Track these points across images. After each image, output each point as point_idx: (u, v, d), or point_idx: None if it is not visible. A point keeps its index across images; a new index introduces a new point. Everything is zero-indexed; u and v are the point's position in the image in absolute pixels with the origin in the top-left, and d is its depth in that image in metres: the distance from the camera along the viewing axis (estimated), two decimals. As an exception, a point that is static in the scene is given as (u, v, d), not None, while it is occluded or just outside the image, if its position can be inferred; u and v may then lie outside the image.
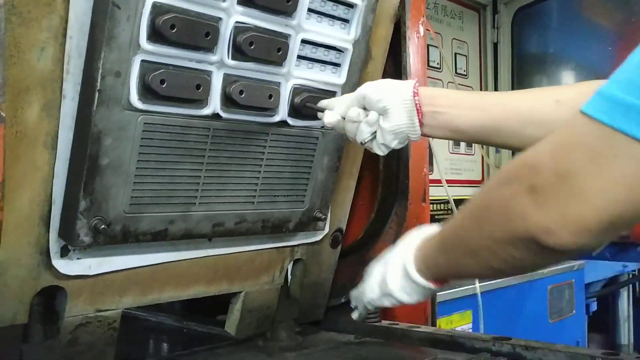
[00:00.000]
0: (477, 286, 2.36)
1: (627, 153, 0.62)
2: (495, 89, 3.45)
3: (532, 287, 2.74)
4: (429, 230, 1.03)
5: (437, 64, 3.13)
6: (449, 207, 2.74)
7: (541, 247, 0.70)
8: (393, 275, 1.02)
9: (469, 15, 3.38)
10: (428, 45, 3.08)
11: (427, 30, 2.22)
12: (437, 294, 2.24)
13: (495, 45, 3.47)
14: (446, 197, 2.79)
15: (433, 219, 2.91)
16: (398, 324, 1.58)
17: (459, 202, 3.09)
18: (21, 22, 0.98)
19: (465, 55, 3.35)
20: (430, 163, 2.83)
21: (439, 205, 2.92)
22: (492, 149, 3.48)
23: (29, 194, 1.07)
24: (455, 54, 3.29)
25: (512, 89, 3.47)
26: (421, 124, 1.13)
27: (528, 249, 0.72)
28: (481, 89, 3.43)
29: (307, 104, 1.32)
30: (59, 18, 1.02)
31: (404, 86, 1.15)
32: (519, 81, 3.46)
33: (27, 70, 1.01)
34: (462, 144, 3.27)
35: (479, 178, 3.40)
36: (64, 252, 1.14)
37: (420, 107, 1.12)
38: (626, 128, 0.62)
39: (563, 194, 0.66)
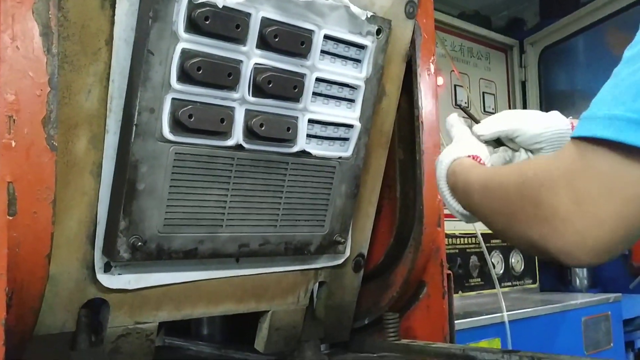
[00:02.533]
0: (505, 314, 2.42)
1: (634, 172, 0.69)
2: (525, 126, 3.54)
3: (565, 318, 2.76)
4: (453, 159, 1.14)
5: (465, 103, 3.25)
6: (477, 241, 2.82)
7: (556, 259, 0.79)
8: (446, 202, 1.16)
9: (495, 56, 3.51)
10: (455, 86, 3.23)
11: (438, 69, 2.36)
12: (464, 320, 2.32)
13: (524, 84, 3.58)
14: (474, 231, 2.88)
15: (464, 252, 3.01)
16: (416, 341, 1.67)
17: (490, 236, 3.17)
18: (72, 68, 1.17)
19: (493, 94, 3.46)
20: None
21: (468, 239, 2.99)
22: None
23: (78, 215, 1.24)
24: (483, 93, 3.41)
25: (542, 125, 3.55)
26: None
27: (548, 257, 0.81)
28: (510, 126, 3.52)
29: (463, 107, 1.54)
30: (104, 64, 1.21)
31: (558, 123, 1.16)
32: (548, 117, 3.54)
33: (77, 109, 1.19)
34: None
35: (512, 213, 3.46)
36: (107, 268, 1.29)
37: None
38: (607, 135, 0.69)
39: (581, 221, 0.73)
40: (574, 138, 0.76)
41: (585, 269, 3.53)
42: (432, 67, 1.77)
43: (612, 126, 0.70)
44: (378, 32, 1.52)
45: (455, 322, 1.83)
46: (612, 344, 3.01)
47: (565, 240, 0.75)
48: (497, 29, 3.63)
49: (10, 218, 0.99)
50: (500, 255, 3.24)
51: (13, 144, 1.01)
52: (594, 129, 0.72)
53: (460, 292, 2.94)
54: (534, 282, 3.42)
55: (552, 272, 3.64)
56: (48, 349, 1.25)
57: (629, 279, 3.40)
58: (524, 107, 3.58)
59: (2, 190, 0.98)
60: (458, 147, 1.18)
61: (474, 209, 1.02)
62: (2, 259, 0.97)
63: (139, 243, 1.26)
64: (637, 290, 3.37)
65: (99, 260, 1.28)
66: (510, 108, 3.57)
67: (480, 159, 1.15)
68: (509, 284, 3.27)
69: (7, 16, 1.01)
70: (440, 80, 3.02)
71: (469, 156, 1.14)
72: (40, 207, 1.04)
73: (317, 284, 1.70)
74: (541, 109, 3.59)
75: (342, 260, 1.71)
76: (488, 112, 3.42)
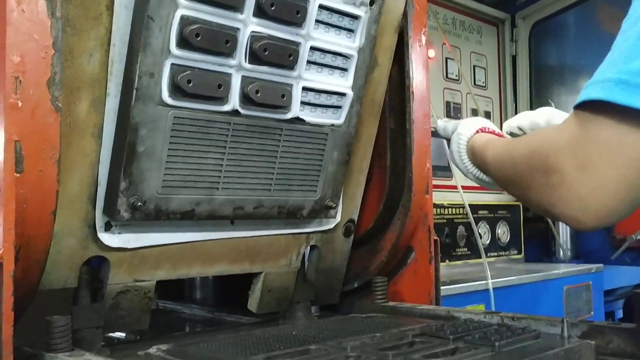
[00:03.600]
0: (490, 282, 2.50)
1: (632, 136, 0.72)
2: (515, 100, 3.61)
3: (547, 287, 2.85)
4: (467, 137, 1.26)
5: (456, 76, 3.29)
6: (465, 212, 2.89)
7: (569, 225, 0.86)
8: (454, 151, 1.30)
9: (487, 30, 3.54)
10: (447, 59, 3.26)
11: (430, 42, 2.38)
12: (451, 286, 2.40)
13: (514, 58, 3.62)
14: (462, 202, 2.95)
15: (452, 223, 3.08)
16: (403, 304, 1.74)
17: (477, 207, 3.24)
18: (74, 32, 1.20)
19: (484, 68, 3.50)
20: (449, 170, 2.99)
21: (456, 209, 3.06)
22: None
23: (79, 176, 1.28)
24: (474, 66, 3.45)
25: (531, 99, 3.62)
26: None
27: (560, 221, 0.88)
28: (500, 100, 3.57)
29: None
30: (105, 29, 1.24)
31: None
32: (537, 92, 3.61)
33: (79, 72, 1.23)
34: (482, 152, 3.40)
35: (499, 185, 3.53)
36: (108, 227, 1.34)
37: None
38: (608, 97, 0.72)
39: (584, 188, 0.77)
40: (574, 108, 0.79)
41: (569, 241, 3.62)
42: (423, 38, 1.81)
43: (604, 88, 0.73)
44: (371, 2, 1.56)
45: (442, 288, 1.90)
46: (592, 313, 3.11)
47: (570, 206, 0.79)
48: (489, 3, 3.66)
49: (18, 175, 1.04)
50: (487, 226, 3.32)
51: (19, 104, 1.04)
52: (587, 94, 0.76)
53: (447, 261, 3.02)
54: (519, 253, 3.50)
55: (537, 243, 3.73)
56: (51, 303, 1.30)
57: (612, 250, 3.49)
58: (514, 81, 3.63)
59: (10, 148, 1.03)
60: (469, 122, 1.30)
61: (494, 179, 1.14)
62: (11, 214, 1.02)
63: (139, 203, 1.31)
64: (619, 262, 3.47)
65: (99, 220, 1.33)
66: (500, 82, 3.62)
67: (489, 128, 1.26)
68: (495, 254, 3.35)
69: (12, -20, 1.04)
70: (432, 53, 3.05)
71: (481, 128, 1.25)
72: (45, 165, 1.08)
73: (309, 247, 1.76)
74: (531, 84, 3.65)
75: (333, 225, 1.77)
76: (479, 85, 3.46)
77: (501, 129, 1.37)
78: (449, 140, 1.37)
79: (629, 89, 0.71)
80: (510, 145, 1.02)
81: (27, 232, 1.08)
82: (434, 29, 3.07)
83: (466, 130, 1.26)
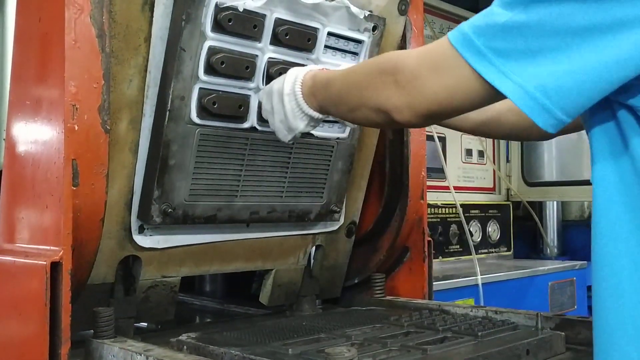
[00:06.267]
0: (479, 278, 2.69)
1: (454, 69, 0.94)
2: (506, 104, 3.79)
3: (533, 282, 3.05)
4: (310, 70, 1.38)
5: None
6: (457, 211, 3.08)
7: (390, 117, 1.07)
8: (288, 107, 1.36)
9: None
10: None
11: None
12: (443, 282, 2.59)
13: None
14: (454, 202, 3.14)
15: (445, 222, 3.27)
16: (399, 298, 1.93)
17: (470, 206, 3.44)
18: (117, 62, 1.38)
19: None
20: (443, 172, 3.18)
21: (449, 209, 3.25)
22: (502, 161, 3.80)
23: (118, 185, 1.47)
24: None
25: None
26: None
27: (383, 117, 1.09)
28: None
29: None
30: (142, 58, 1.42)
31: None
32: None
33: (120, 96, 1.41)
34: (475, 155, 3.60)
35: (491, 185, 3.73)
36: (141, 230, 1.53)
37: None
38: (460, 50, 0.93)
39: (412, 89, 1.00)
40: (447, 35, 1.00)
41: (555, 239, 3.82)
42: (420, 58, 1.99)
43: (464, 45, 0.93)
44: (374, 28, 1.74)
45: (434, 283, 2.10)
46: (575, 307, 3.31)
47: (398, 99, 1.03)
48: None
49: (74, 188, 1.22)
50: (479, 225, 3.51)
51: (76, 127, 1.23)
52: (454, 37, 0.96)
53: (440, 257, 3.21)
54: (508, 250, 3.69)
55: (525, 241, 3.93)
56: (93, 297, 1.48)
57: (596, 248, 3.69)
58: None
59: (68, 166, 1.21)
60: (304, 68, 1.41)
61: (331, 98, 1.26)
62: (69, 221, 1.20)
63: (169, 209, 1.50)
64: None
65: (134, 223, 1.51)
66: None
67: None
68: (486, 251, 3.54)
69: (70, 22, 1.22)
70: (427, 61, 3.22)
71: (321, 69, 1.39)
72: (96, 179, 1.27)
73: (315, 247, 1.95)
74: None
75: (337, 226, 1.96)
76: (472, 91, 3.64)
77: None
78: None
79: (480, 56, 0.91)
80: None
81: (80, 236, 1.26)
82: (429, 37, 3.25)
83: (306, 68, 1.39)
